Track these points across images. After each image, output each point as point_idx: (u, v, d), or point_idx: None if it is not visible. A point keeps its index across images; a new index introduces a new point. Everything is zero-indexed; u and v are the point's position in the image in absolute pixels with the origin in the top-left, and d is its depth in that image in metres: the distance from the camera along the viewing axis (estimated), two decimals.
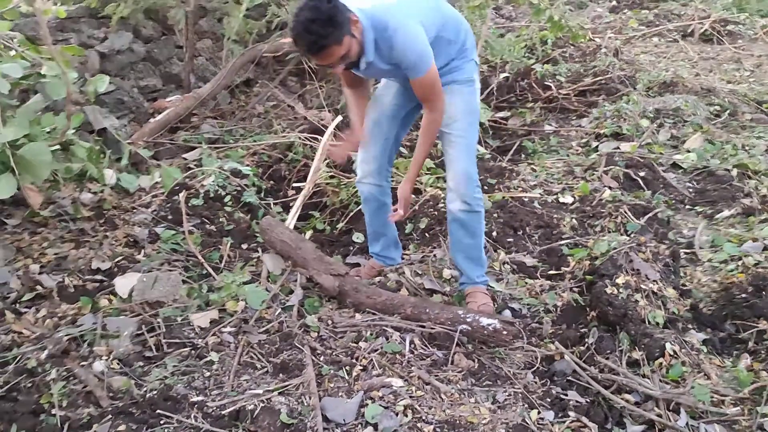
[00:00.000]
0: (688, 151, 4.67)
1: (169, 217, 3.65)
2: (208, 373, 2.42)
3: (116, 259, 3.22)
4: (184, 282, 3.00)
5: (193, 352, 2.53)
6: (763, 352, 2.63)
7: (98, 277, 3.09)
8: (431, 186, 3.87)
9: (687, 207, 4.04)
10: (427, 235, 3.57)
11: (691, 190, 4.23)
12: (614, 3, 10.15)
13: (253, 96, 5.63)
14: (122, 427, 2.09)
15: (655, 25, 8.74)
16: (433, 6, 2.67)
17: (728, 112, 5.43)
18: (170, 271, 3.05)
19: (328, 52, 2.39)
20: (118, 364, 2.43)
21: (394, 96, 2.90)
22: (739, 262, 3.23)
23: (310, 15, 2.31)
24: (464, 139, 2.77)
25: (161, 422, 2.13)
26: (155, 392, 2.28)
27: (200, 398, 2.26)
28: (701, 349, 2.63)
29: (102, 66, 4.52)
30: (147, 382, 2.35)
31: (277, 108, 5.35)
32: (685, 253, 3.42)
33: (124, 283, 2.91)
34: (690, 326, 2.79)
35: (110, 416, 2.14)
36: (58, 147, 3.13)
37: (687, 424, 2.24)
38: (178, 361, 2.47)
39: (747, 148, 4.79)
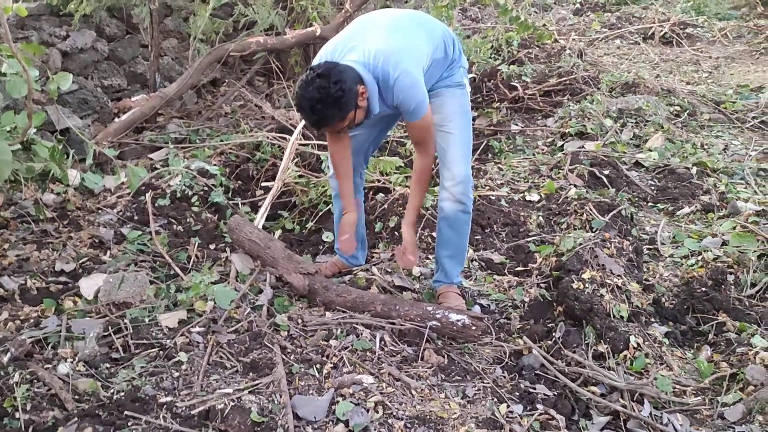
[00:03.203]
0: (650, 150, 4.79)
1: (135, 217, 3.61)
2: (176, 374, 2.39)
3: (81, 261, 3.17)
4: (151, 282, 2.96)
5: (161, 352, 2.50)
6: (722, 343, 2.71)
7: (62, 278, 3.04)
8: (400, 185, 3.89)
9: (649, 204, 4.14)
10: (396, 233, 3.58)
11: (653, 187, 4.34)
12: (577, 6, 10.35)
13: (219, 95, 5.59)
14: (89, 430, 2.04)
15: (617, 27, 8.93)
16: (427, 35, 2.62)
17: (687, 112, 5.59)
18: (137, 271, 3.01)
19: (331, 128, 2.49)
20: (83, 366, 2.39)
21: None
22: (699, 257, 3.33)
23: (316, 95, 2.33)
24: (461, 137, 2.75)
25: (129, 424, 2.09)
26: (123, 393, 2.25)
27: (169, 399, 2.24)
28: (663, 342, 2.70)
29: (64, 65, 4.43)
30: (114, 384, 2.31)
31: (245, 107, 5.32)
32: (648, 249, 3.51)
33: (89, 285, 2.86)
34: (653, 320, 2.87)
35: (76, 419, 2.09)
36: (19, 147, 3.06)
37: (650, 413, 2.30)
38: (146, 362, 2.44)
39: (706, 146, 4.94)
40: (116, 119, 4.55)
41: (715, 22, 8.94)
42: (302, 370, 2.44)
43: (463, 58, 2.83)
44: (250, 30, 5.41)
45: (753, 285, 3.05)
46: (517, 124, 5.43)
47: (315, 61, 2.56)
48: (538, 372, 2.56)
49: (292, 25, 5.60)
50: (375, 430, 2.16)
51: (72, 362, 2.39)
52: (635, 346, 2.57)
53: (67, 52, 4.45)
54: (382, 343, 2.63)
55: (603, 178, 4.27)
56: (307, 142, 4.17)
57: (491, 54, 6.56)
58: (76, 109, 4.37)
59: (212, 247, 3.48)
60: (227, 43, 5.13)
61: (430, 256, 3.37)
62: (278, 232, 3.65)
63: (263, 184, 4.10)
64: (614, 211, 3.64)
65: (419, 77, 2.49)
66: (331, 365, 2.47)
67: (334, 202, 3.15)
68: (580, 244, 3.11)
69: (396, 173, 3.99)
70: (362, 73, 2.43)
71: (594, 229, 3.46)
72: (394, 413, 2.25)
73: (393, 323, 2.71)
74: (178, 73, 5.25)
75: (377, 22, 2.61)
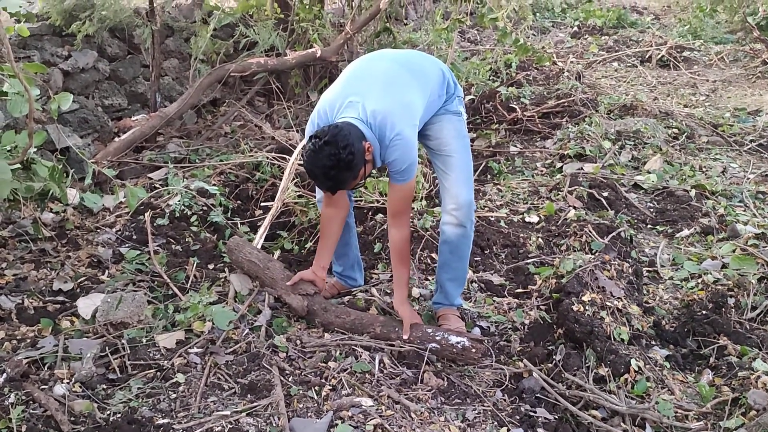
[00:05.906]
0: (649, 172, 4.80)
1: (134, 237, 3.60)
2: (174, 395, 2.37)
3: (79, 280, 3.15)
4: (149, 302, 2.94)
5: (158, 373, 2.48)
6: (723, 367, 2.69)
7: (60, 298, 3.02)
8: None
9: (648, 226, 4.14)
10: None
11: (652, 209, 4.34)
12: (575, 29, 10.45)
13: (220, 116, 5.61)
14: None
15: (615, 50, 9.01)
16: (421, 87, 2.65)
17: (686, 134, 5.61)
18: (135, 291, 2.99)
19: (346, 188, 2.57)
20: (80, 387, 2.37)
21: None
22: (699, 280, 3.32)
23: (328, 163, 2.38)
24: (461, 160, 2.78)
25: None
26: (119, 415, 2.22)
27: (166, 421, 2.21)
28: (665, 365, 2.68)
29: (65, 84, 4.45)
30: (110, 405, 2.29)
31: (245, 127, 5.33)
32: (648, 271, 3.50)
33: (87, 304, 2.85)
34: (653, 342, 2.85)
35: None
36: (19, 166, 3.06)
37: None
38: (143, 383, 2.42)
39: (704, 169, 4.96)
40: (116, 138, 4.56)
41: (711, 45, 9.03)
42: (301, 392, 2.42)
43: (459, 89, 2.87)
44: (251, 51, 5.45)
45: (754, 308, 3.04)
46: (516, 146, 5.45)
47: (313, 118, 2.62)
48: (538, 395, 2.54)
49: (292, 46, 5.64)
50: None
51: (68, 383, 2.37)
52: (636, 369, 2.55)
53: (69, 71, 4.47)
54: (382, 365, 2.61)
55: (602, 200, 4.27)
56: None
57: (490, 76, 6.60)
58: (76, 128, 4.38)
59: (211, 267, 3.47)
60: (228, 63, 5.17)
61: (430, 278, 3.36)
62: (277, 253, 3.64)
63: (262, 204, 4.09)
64: (613, 233, 3.63)
65: (413, 139, 2.56)
66: (330, 387, 2.45)
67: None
68: (580, 266, 3.10)
69: None
70: (363, 129, 2.48)
71: (593, 251, 3.45)
72: None
73: (392, 345, 2.70)
74: (179, 93, 5.27)
75: (372, 73, 2.64)
